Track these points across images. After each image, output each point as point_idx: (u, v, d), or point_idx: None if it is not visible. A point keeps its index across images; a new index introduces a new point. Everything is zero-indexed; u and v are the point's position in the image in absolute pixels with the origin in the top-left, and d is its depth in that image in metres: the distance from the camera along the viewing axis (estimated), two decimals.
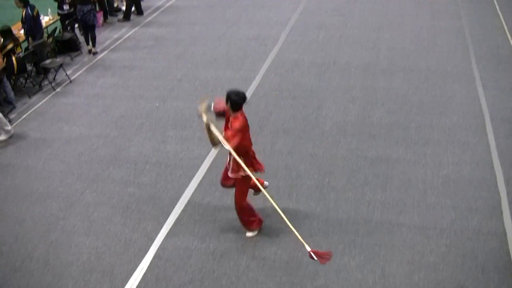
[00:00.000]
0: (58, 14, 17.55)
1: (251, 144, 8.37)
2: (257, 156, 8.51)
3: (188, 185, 10.15)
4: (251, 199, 8.72)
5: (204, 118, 7.84)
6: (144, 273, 8.28)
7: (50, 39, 16.57)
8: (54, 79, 15.24)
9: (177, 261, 8.29)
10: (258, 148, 10.90)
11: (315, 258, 7.19)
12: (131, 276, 8.28)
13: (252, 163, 8.30)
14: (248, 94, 13.26)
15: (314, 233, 8.74)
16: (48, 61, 15.24)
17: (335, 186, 9.83)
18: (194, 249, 8.56)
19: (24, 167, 11.27)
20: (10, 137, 12.26)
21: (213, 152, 11.08)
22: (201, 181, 10.29)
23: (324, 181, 9.99)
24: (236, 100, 7.91)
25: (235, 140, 7.80)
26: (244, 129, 8.03)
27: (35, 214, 9.78)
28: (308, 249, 7.27)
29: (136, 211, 9.65)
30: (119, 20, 20.09)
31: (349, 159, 10.56)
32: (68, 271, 8.46)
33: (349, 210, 9.21)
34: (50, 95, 14.51)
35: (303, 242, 7.32)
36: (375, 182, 9.83)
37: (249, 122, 11.92)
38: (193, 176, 10.42)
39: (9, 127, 12.31)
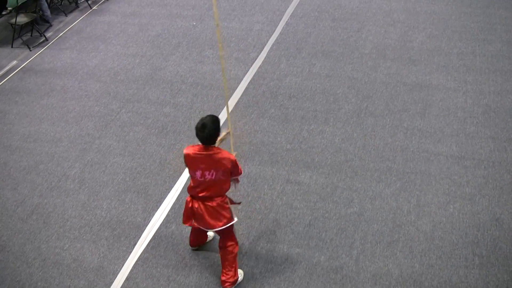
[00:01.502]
0: None
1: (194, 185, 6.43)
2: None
3: (224, 106, 10.07)
4: None
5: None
6: (179, 195, 8.34)
7: None
8: None
9: None
10: (295, 71, 10.84)
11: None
12: (165, 197, 8.35)
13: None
14: (287, 14, 13.12)
15: (350, 159, 8.66)
16: None
17: (373, 111, 9.68)
18: None
19: (60, 86, 11.29)
20: None
21: (251, 73, 10.97)
22: (237, 102, 10.21)
23: (362, 106, 9.83)
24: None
25: None
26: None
27: (71, 134, 9.84)
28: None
29: (171, 131, 9.65)
30: None
31: (388, 84, 10.35)
32: (103, 191, 8.56)
33: (386, 136, 9.08)
34: (87, 13, 14.43)
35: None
36: (413, 108, 9.64)
37: (287, 44, 11.86)
38: (230, 97, 10.32)
39: None
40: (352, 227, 7.54)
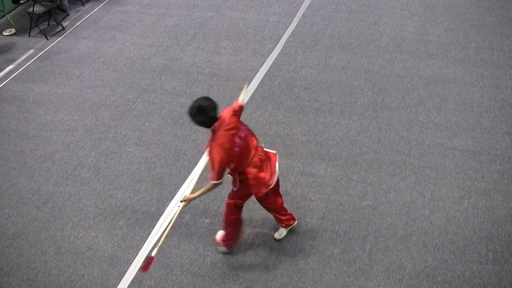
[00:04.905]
0: None
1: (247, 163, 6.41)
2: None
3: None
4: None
5: None
6: (194, 185, 8.33)
7: None
8: None
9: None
10: (312, 63, 10.80)
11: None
12: (180, 187, 8.38)
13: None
14: (303, 6, 13.06)
15: (365, 152, 8.65)
16: None
17: (389, 104, 9.64)
18: None
19: (76, 75, 11.35)
20: None
21: (267, 64, 10.96)
22: (253, 93, 10.20)
23: (378, 99, 9.79)
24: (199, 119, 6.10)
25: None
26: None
27: (87, 123, 9.90)
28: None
29: (187, 122, 9.64)
30: None
31: (404, 77, 10.30)
32: (118, 180, 8.61)
33: (402, 130, 9.05)
34: (104, 3, 14.47)
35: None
36: (429, 102, 9.60)
37: (303, 36, 11.81)
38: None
39: None
40: (366, 220, 7.53)
